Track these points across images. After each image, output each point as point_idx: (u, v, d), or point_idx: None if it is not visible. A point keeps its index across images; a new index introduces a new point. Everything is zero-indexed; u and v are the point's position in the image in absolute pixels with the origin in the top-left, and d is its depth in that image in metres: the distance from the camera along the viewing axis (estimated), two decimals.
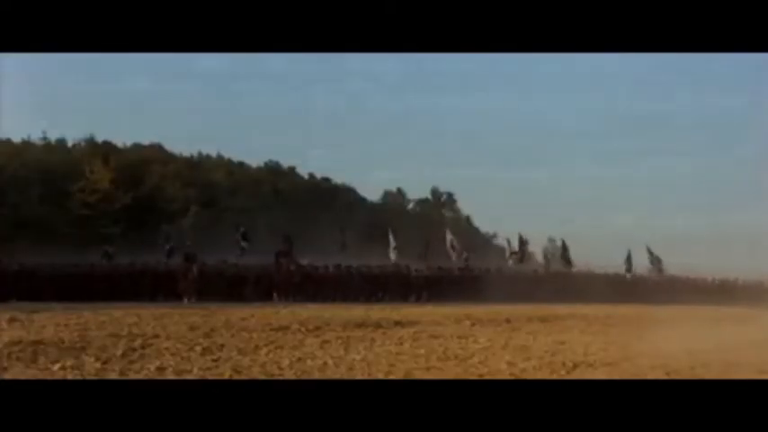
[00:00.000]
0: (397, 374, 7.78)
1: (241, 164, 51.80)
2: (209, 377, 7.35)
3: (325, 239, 25.64)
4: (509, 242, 29.06)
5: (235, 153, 52.33)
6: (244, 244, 24.09)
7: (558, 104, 72.69)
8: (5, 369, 7.35)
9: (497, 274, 25.55)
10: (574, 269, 27.90)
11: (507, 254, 28.39)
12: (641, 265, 28.95)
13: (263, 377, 7.45)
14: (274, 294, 20.08)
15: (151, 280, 20.86)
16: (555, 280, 26.18)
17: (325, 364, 8.35)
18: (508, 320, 14.91)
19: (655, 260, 28.38)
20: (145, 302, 17.43)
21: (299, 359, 8.61)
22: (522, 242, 28.32)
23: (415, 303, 21.87)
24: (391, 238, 25.92)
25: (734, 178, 58.71)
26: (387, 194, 59.17)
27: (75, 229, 37.36)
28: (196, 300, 18.86)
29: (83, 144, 46.61)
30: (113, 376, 7.23)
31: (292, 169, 53.52)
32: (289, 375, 7.60)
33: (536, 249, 49.20)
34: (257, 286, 21.46)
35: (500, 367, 8.38)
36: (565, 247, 28.73)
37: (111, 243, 26.29)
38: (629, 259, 28.49)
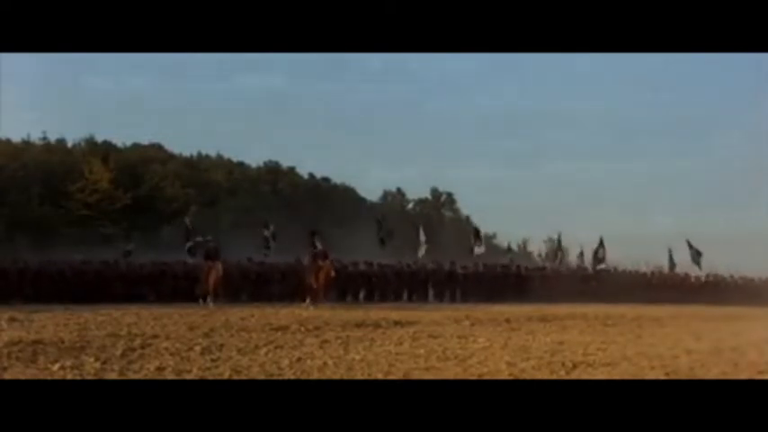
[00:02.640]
0: (396, 374, 7.77)
1: (241, 164, 51.84)
2: (209, 377, 7.35)
3: (331, 239, 25.09)
4: (558, 241, 28.37)
5: (234, 153, 52.35)
6: (273, 241, 23.05)
7: (561, 103, 72.70)
8: (5, 369, 7.34)
9: (549, 274, 24.92)
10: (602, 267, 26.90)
11: (544, 253, 27.78)
12: (680, 262, 27.92)
13: (262, 377, 7.44)
14: (307, 299, 17.80)
15: (171, 280, 19.87)
16: (608, 279, 25.42)
17: (325, 364, 8.34)
18: (508, 320, 14.90)
19: (695, 255, 27.13)
20: (164, 303, 17.04)
21: (299, 359, 8.60)
22: (560, 240, 27.58)
23: (462, 303, 21.13)
24: (422, 234, 25.02)
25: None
26: (386, 194, 59.21)
27: (75, 229, 37.38)
28: (220, 300, 17.16)
29: (82, 144, 46.62)
30: (113, 376, 7.23)
31: (292, 169, 53.55)
32: (288, 375, 7.59)
33: (533, 250, 49.45)
34: (283, 285, 20.43)
35: (499, 367, 8.36)
36: (601, 244, 27.04)
37: (129, 240, 24.91)
38: (671, 257, 27.61)
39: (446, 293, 22.60)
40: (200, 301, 17.17)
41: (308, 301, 17.70)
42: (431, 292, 22.41)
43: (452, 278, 22.99)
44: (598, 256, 26.93)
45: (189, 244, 21.79)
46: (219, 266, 17.40)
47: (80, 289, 18.31)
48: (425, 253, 24.57)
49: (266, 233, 23.12)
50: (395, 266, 22.53)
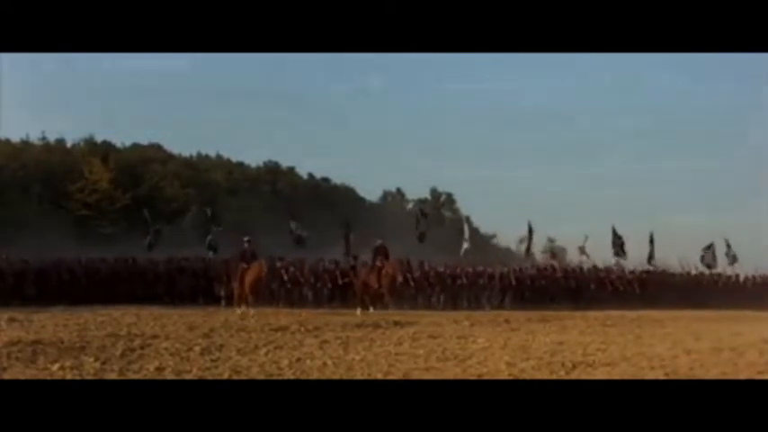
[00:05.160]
0: (396, 375, 7.77)
1: (240, 164, 51.86)
2: (209, 377, 7.35)
3: (330, 239, 24.55)
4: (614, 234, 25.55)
5: (234, 153, 52.39)
6: (303, 233, 21.48)
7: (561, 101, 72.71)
8: (5, 369, 7.35)
9: (603, 276, 23.08)
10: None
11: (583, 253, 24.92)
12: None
13: (262, 377, 7.44)
14: (360, 308, 16.14)
15: (190, 278, 18.89)
16: (661, 282, 23.73)
17: (325, 364, 8.34)
18: (507, 321, 14.92)
19: (732, 255, 25.93)
20: (183, 304, 16.68)
21: (299, 359, 8.60)
22: (618, 235, 25.13)
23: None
24: (466, 230, 23.92)
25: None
26: (386, 194, 59.24)
27: (75, 229, 37.39)
28: (254, 304, 15.63)
29: (82, 144, 46.59)
30: (112, 376, 7.23)
31: (291, 169, 53.57)
32: (288, 376, 7.59)
33: (534, 249, 49.16)
34: (315, 288, 19.13)
35: (499, 367, 8.36)
36: (651, 242, 25.45)
37: (152, 233, 22.57)
38: (713, 256, 25.94)
39: (498, 299, 20.79)
40: (236, 308, 15.79)
41: (359, 310, 15.98)
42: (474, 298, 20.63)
43: (504, 282, 21.10)
44: (651, 256, 25.36)
45: (209, 237, 20.63)
46: (263, 266, 16.00)
47: (92, 289, 17.65)
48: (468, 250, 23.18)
49: (293, 225, 21.69)
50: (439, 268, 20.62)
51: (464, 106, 72.15)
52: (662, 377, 7.93)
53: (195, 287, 18.84)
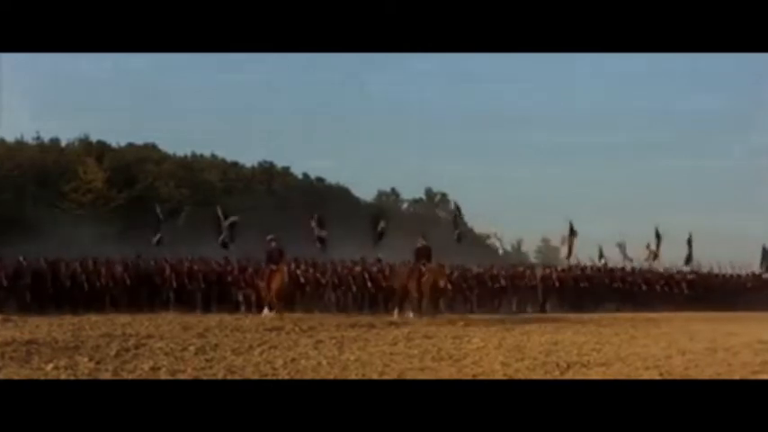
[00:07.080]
0: (390, 375, 7.77)
1: (235, 164, 51.76)
2: (203, 377, 7.33)
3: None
4: (657, 237, 24.95)
5: (229, 153, 52.32)
6: (323, 233, 20.26)
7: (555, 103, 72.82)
8: None
9: (650, 277, 22.71)
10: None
11: (623, 253, 24.47)
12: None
13: (256, 377, 7.43)
14: (405, 311, 15.47)
15: (202, 282, 17.88)
16: (703, 284, 23.50)
17: (319, 364, 8.33)
18: (502, 321, 14.93)
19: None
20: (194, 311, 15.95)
21: (293, 359, 8.59)
22: (659, 235, 24.55)
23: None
24: (494, 231, 23.91)
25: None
26: (381, 194, 59.21)
27: (70, 229, 37.27)
28: (281, 309, 14.84)
29: (76, 144, 46.44)
30: (107, 376, 7.21)
31: (286, 169, 53.51)
32: (282, 375, 7.58)
33: (529, 249, 49.21)
34: (339, 291, 18.29)
35: (494, 367, 8.37)
36: (689, 243, 25.16)
37: (161, 228, 21.62)
38: (765, 257, 26.02)
39: (540, 302, 20.24)
40: (265, 310, 15.08)
41: (396, 314, 15.31)
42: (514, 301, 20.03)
43: (546, 283, 20.47)
44: (690, 258, 24.98)
45: (222, 237, 19.79)
46: (285, 270, 15.22)
47: (94, 294, 16.86)
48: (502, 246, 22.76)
49: (313, 223, 20.50)
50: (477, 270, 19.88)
51: (460, 106, 72.28)
52: (657, 377, 7.94)
53: (208, 292, 17.95)
